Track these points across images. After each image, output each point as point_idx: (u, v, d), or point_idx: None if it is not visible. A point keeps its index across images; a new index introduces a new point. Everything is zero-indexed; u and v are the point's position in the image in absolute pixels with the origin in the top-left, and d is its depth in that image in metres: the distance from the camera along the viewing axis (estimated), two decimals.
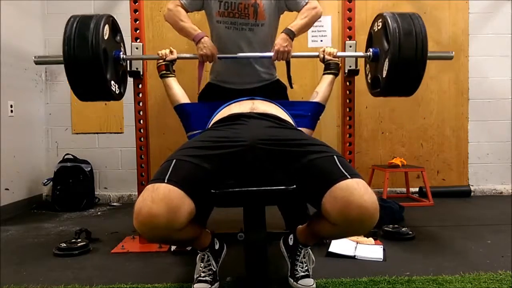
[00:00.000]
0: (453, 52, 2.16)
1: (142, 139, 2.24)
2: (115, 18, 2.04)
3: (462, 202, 3.35)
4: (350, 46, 2.22)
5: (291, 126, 1.65)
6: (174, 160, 1.37)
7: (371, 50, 2.08)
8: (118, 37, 2.10)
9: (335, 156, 1.39)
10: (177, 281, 1.70)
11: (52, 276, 1.79)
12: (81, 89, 1.92)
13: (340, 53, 2.13)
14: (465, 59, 3.61)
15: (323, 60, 2.12)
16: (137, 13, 2.19)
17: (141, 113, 2.23)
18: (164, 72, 2.06)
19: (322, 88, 2.07)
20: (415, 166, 3.46)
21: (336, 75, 2.12)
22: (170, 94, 2.05)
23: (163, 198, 1.23)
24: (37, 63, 2.07)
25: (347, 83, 2.26)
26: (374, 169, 3.47)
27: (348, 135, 2.28)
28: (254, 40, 2.12)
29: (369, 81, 2.22)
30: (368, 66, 2.23)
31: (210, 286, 1.55)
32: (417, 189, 3.55)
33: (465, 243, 2.19)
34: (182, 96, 2.04)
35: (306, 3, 2.11)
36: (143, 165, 2.24)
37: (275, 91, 2.18)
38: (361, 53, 2.17)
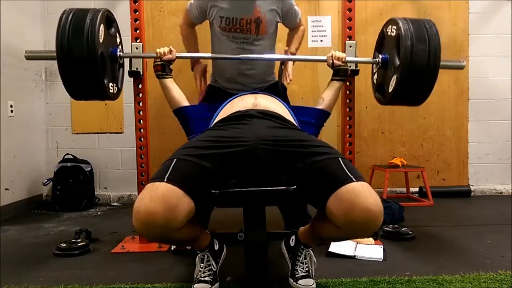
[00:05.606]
0: (464, 62, 2.14)
1: (142, 139, 2.24)
2: (113, 13, 1.99)
3: (462, 202, 3.35)
4: (350, 46, 2.22)
5: (294, 127, 1.65)
6: (175, 160, 1.37)
7: (380, 57, 2.02)
8: (113, 29, 2.00)
9: (339, 158, 1.39)
10: (177, 281, 1.70)
11: (52, 276, 1.79)
12: (75, 89, 1.88)
13: (349, 58, 2.07)
14: (465, 59, 3.60)
15: (332, 66, 2.05)
16: (137, 13, 2.19)
17: (141, 113, 2.23)
18: (160, 72, 1.99)
19: (329, 96, 2.04)
20: (415, 166, 3.46)
21: (344, 81, 2.07)
22: (167, 97, 2.00)
23: (161, 197, 1.24)
24: (28, 58, 2.02)
25: (347, 83, 2.26)
26: (374, 169, 3.47)
27: (348, 135, 2.28)
28: (254, 52, 2.18)
29: (375, 82, 2.19)
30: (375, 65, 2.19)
31: (210, 286, 1.54)
32: (417, 189, 3.55)
33: (465, 243, 2.19)
34: (180, 99, 1.99)
35: (298, 21, 2.27)
36: (143, 165, 2.24)
37: (275, 92, 2.18)
38: (369, 59, 2.14)
